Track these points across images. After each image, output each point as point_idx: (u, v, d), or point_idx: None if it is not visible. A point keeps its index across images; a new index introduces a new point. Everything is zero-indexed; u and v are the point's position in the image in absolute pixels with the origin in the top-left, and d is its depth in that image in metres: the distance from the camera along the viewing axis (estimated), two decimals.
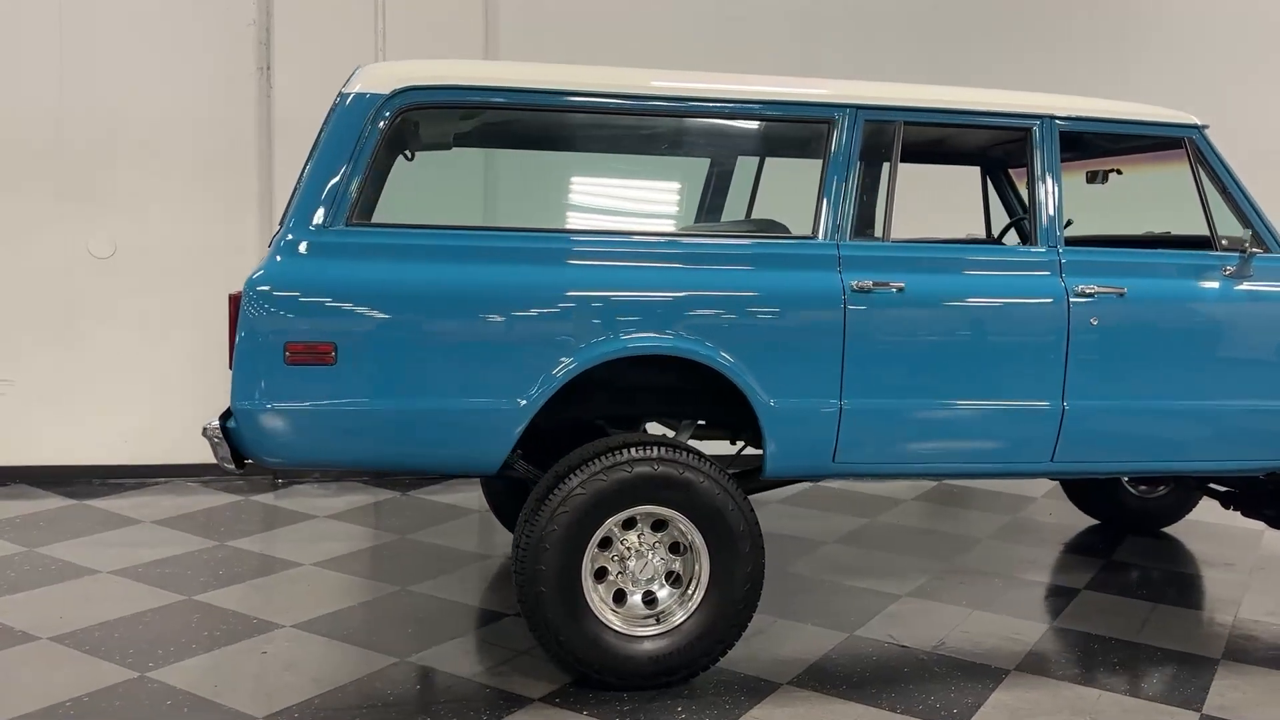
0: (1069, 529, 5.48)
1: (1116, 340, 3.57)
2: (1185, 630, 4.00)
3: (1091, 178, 4.52)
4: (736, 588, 3.29)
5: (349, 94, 3.19)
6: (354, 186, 3.13)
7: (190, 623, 3.84)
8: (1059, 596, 4.36)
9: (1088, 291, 3.55)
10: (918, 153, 4.52)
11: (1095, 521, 5.59)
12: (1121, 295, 3.58)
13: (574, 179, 5.74)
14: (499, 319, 3.14)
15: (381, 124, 3.15)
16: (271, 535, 5.10)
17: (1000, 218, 5.01)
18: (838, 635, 3.85)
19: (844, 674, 3.50)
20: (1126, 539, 5.30)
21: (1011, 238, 5.02)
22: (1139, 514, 5.41)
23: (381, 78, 3.21)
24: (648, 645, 3.26)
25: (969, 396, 3.49)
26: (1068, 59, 6.73)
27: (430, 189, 4.48)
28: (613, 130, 3.85)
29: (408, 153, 4.18)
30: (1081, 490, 5.51)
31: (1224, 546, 5.10)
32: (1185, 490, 5.25)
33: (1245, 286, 3.70)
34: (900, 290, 3.42)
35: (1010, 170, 5.01)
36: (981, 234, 5.03)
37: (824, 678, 3.46)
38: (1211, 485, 4.64)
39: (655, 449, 3.25)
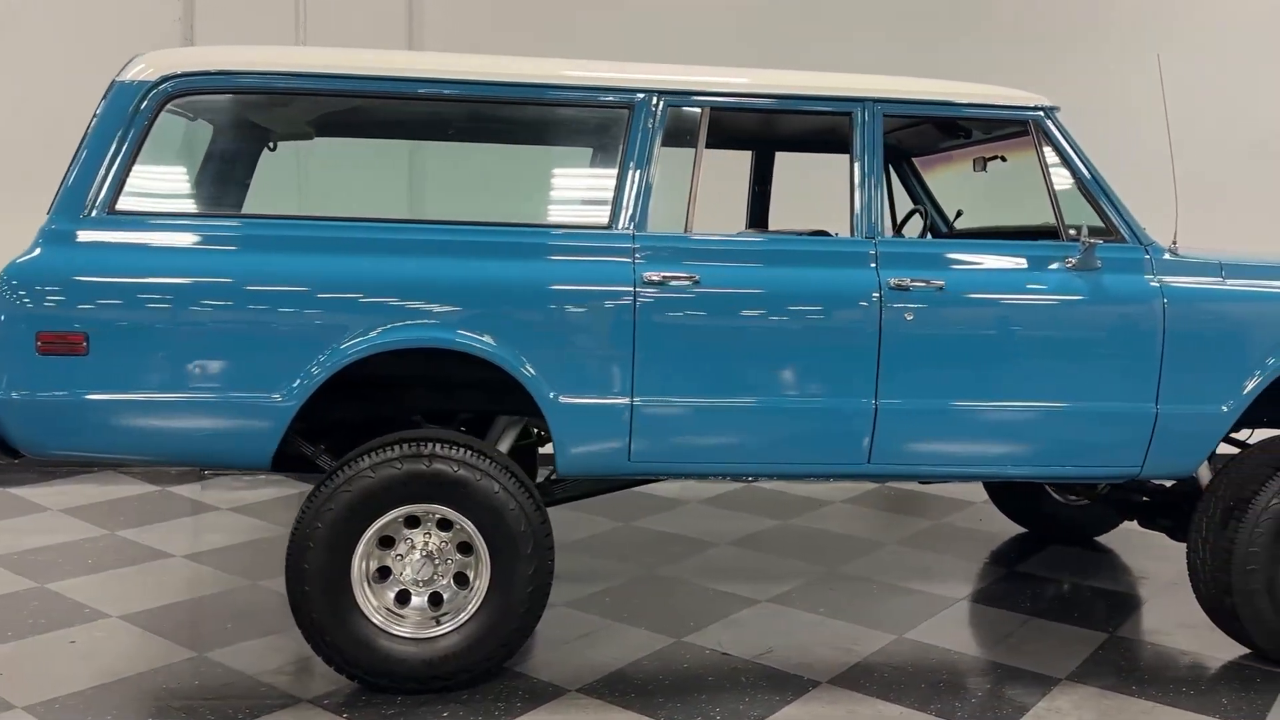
0: (994, 537, 5.23)
1: (934, 336, 3.36)
2: (1044, 647, 3.76)
3: (977, 165, 4.29)
4: (518, 590, 3.18)
5: (117, 82, 3.16)
6: (118, 175, 3.09)
7: (23, 610, 3.86)
8: (930, 606, 4.14)
9: (902, 284, 3.34)
10: (791, 141, 4.34)
11: (1024, 530, 5.32)
12: (940, 288, 3.36)
13: (372, 168, 5.66)
14: (256, 311, 3.08)
15: (147, 112, 3.11)
16: (164, 526, 5.13)
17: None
18: (664, 640, 3.71)
19: (640, 682, 3.37)
20: (1048, 549, 5.03)
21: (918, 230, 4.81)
22: (1066, 522, 5.13)
23: (151, 66, 3.16)
24: (424, 648, 3.17)
25: (772, 394, 3.32)
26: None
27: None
28: (402, 116, 3.76)
29: (271, 144, 4.18)
30: (1004, 497, 5.25)
31: (1151, 560, 4.79)
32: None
33: (1087, 279, 3.45)
34: (695, 283, 3.26)
35: (915, 160, 4.79)
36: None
37: (617, 685, 3.33)
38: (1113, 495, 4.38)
39: (430, 446, 3.14)
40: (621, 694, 3.27)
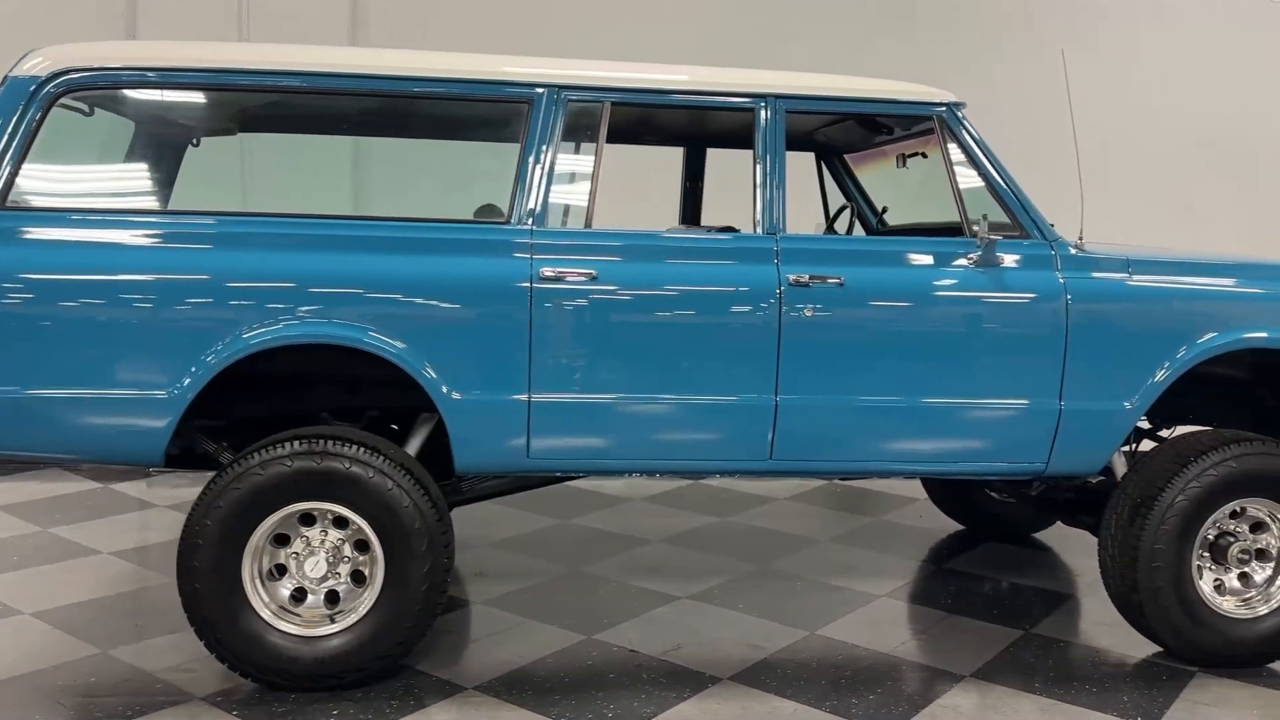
0: (932, 534, 5.22)
1: (834, 332, 3.34)
2: (956, 644, 3.75)
3: (899, 162, 4.28)
4: (413, 589, 3.16)
5: (10, 76, 3.14)
6: (10, 169, 3.07)
7: None
8: (850, 603, 4.13)
9: (802, 280, 3.33)
10: (701, 137, 4.33)
11: (962, 527, 5.31)
12: (840, 284, 3.35)
13: (274, 162, 5.64)
14: (138, 307, 3.06)
15: (39, 107, 3.09)
16: (100, 523, 5.11)
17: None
18: (574, 638, 3.70)
19: (540, 680, 3.36)
20: (984, 546, 5.02)
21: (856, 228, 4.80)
22: (1002, 520, 5.11)
23: (46, 60, 3.15)
24: (316, 646, 3.16)
25: (671, 390, 3.31)
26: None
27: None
28: (305, 111, 3.74)
29: (194, 140, 4.16)
30: (941, 494, 5.24)
31: (1085, 557, 4.73)
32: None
33: (990, 275, 3.43)
34: (593, 278, 3.25)
35: (846, 156, 4.78)
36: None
37: (516, 684, 3.32)
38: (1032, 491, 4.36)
39: (322, 442, 3.13)
40: (518, 692, 3.25)
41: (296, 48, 3.33)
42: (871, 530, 5.25)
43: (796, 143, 4.61)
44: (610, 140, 4.30)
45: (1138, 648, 3.72)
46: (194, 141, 4.13)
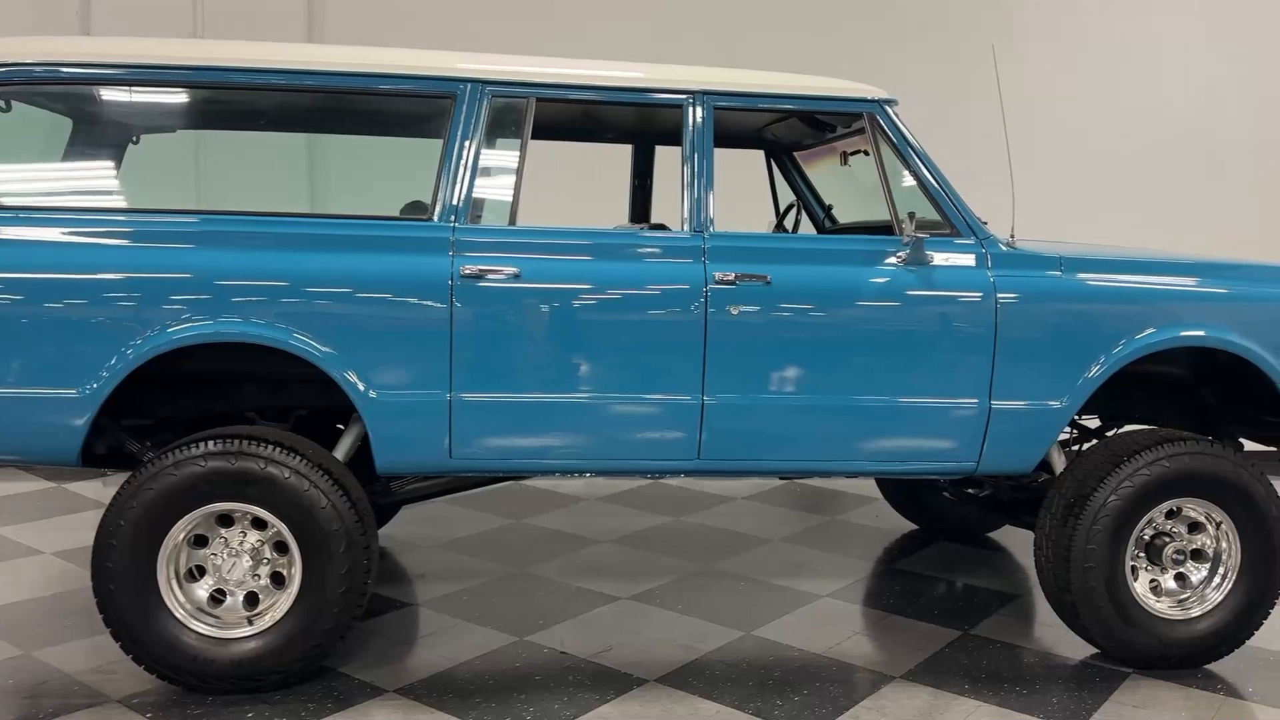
0: (886, 534, 5.19)
1: (761, 331, 3.31)
2: (891, 644, 3.72)
3: (843, 159, 4.24)
4: (330, 590, 3.13)
5: None
6: None
7: None
8: (792, 603, 4.10)
9: (728, 279, 3.30)
10: (635, 133, 4.28)
11: (916, 527, 5.28)
12: (766, 283, 3.31)
13: (231, 160, 5.61)
14: (51, 304, 3.02)
15: None
16: (48, 523, 5.08)
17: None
18: (506, 640, 3.67)
19: (463, 682, 3.32)
20: (936, 546, 5.00)
21: (807, 226, 4.77)
22: (954, 519, 5.08)
23: None
24: (232, 648, 3.12)
25: (597, 390, 3.27)
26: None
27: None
28: (226, 107, 3.70)
29: (135, 137, 4.12)
30: (894, 493, 5.21)
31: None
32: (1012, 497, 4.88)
33: (919, 274, 3.40)
34: (515, 276, 3.21)
35: (797, 154, 4.74)
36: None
37: (439, 686, 3.29)
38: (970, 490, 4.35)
39: (237, 442, 3.09)
40: (439, 695, 3.22)
41: (220, 43, 3.29)
42: (825, 530, 5.22)
43: (746, 140, 4.59)
44: (540, 137, 4.30)
45: (1076, 649, 3.69)
46: (134, 139, 4.09)
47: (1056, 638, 3.79)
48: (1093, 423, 4.30)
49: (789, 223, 4.56)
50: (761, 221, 4.77)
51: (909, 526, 5.28)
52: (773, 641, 3.71)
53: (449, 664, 3.45)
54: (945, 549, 4.95)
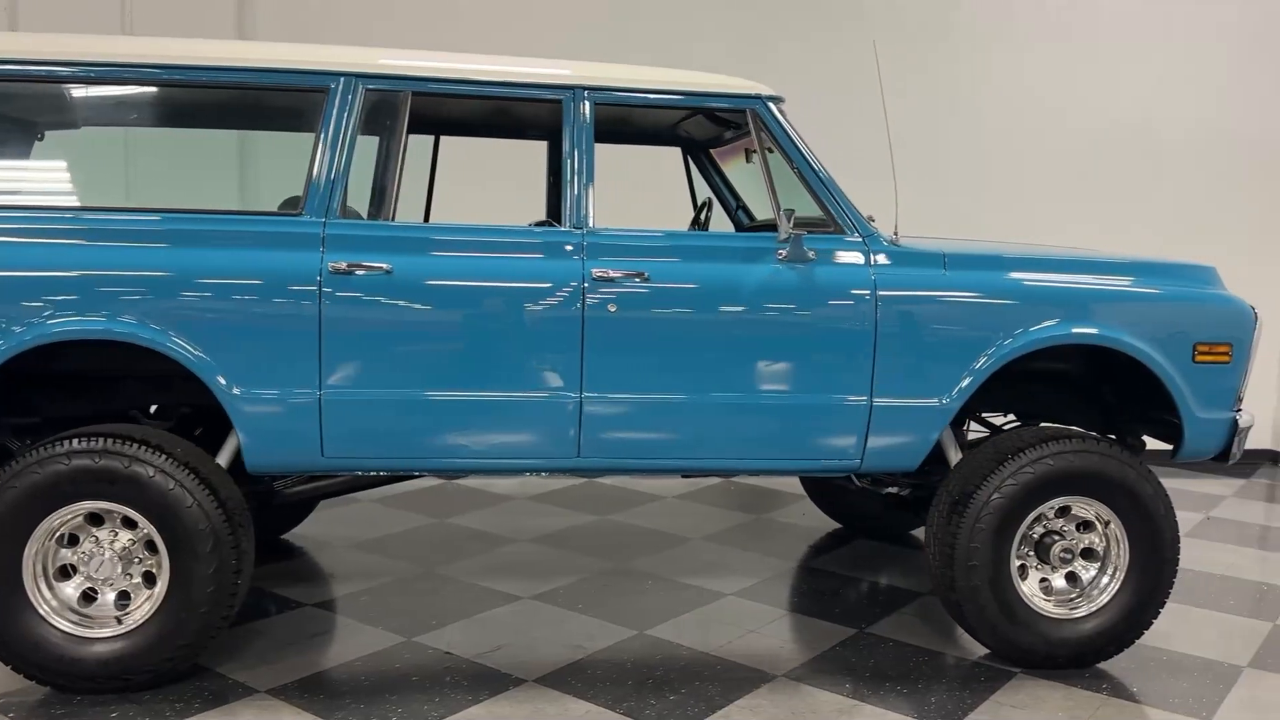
0: (810, 533, 5.17)
1: (638, 327, 3.28)
2: (783, 643, 3.70)
3: (748, 156, 4.21)
4: (198, 590, 3.10)
5: None
6: None
7: None
8: (691, 602, 4.07)
9: (604, 275, 3.27)
10: (518, 128, 4.22)
11: (839, 525, 5.26)
12: (644, 279, 3.29)
13: (160, 157, 5.57)
14: None
15: None
16: None
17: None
18: (393, 640, 3.64)
19: (339, 682, 3.30)
20: (855, 544, 4.99)
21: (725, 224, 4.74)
22: (875, 517, 5.06)
23: None
24: (99, 648, 3.09)
25: (471, 387, 3.24)
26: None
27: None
28: (113, 103, 3.65)
29: (40, 134, 4.08)
30: (816, 492, 5.18)
31: None
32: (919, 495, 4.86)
33: (799, 271, 3.37)
34: (387, 272, 3.18)
35: (713, 151, 4.71)
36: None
37: (312, 687, 3.26)
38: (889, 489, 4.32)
39: (102, 440, 3.06)
40: (310, 695, 3.19)
41: (99, 38, 3.26)
42: (748, 528, 5.20)
43: (662, 137, 4.56)
44: (424, 132, 4.30)
45: (970, 648, 3.68)
46: (39, 136, 4.06)
47: (952, 637, 3.77)
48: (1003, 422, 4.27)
49: (734, 222, 4.53)
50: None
51: (834, 525, 5.26)
52: (664, 640, 3.68)
53: (328, 665, 3.42)
54: (864, 547, 4.93)
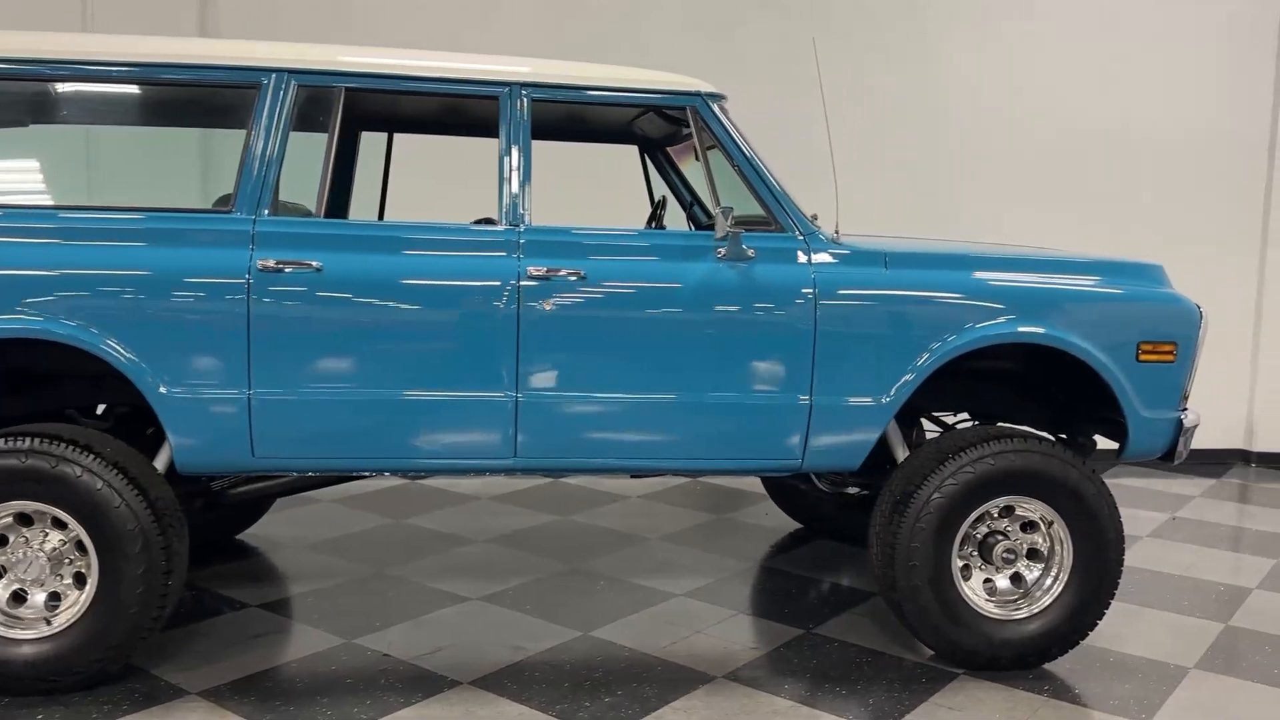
0: (771, 533, 5.15)
1: (576, 326, 3.26)
2: (726, 643, 3.67)
3: (697, 154, 4.17)
4: (127, 591, 3.07)
5: None
6: None
7: None
8: (641, 603, 4.04)
9: (541, 273, 3.24)
10: (475, 127, 4.19)
11: (800, 525, 5.23)
12: (581, 278, 3.26)
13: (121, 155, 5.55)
14: None
15: None
16: None
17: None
18: (333, 642, 3.61)
19: (273, 685, 3.27)
20: (814, 544, 4.96)
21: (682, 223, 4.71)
22: (833, 517, 5.03)
23: None
24: (26, 649, 3.06)
25: (404, 386, 3.21)
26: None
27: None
28: (49, 100, 3.62)
29: None
30: (776, 491, 5.16)
31: None
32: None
33: (738, 269, 3.34)
34: (317, 270, 3.15)
35: (670, 149, 4.68)
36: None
37: (244, 689, 3.23)
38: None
39: (28, 440, 3.03)
40: (241, 697, 3.16)
41: (22, 34, 3.22)
42: (709, 528, 5.17)
43: (618, 135, 4.53)
44: (378, 129, 4.27)
45: (915, 650, 3.65)
46: None
47: (900, 638, 3.75)
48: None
49: (690, 219, 4.51)
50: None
51: (796, 525, 5.23)
52: (608, 642, 3.65)
53: (263, 666, 3.39)
54: (823, 548, 4.91)
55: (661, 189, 4.70)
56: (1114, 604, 4.06)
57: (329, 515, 5.20)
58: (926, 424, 4.19)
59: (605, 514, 5.38)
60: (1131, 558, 4.82)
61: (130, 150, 5.78)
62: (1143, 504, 5.88)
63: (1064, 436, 3.92)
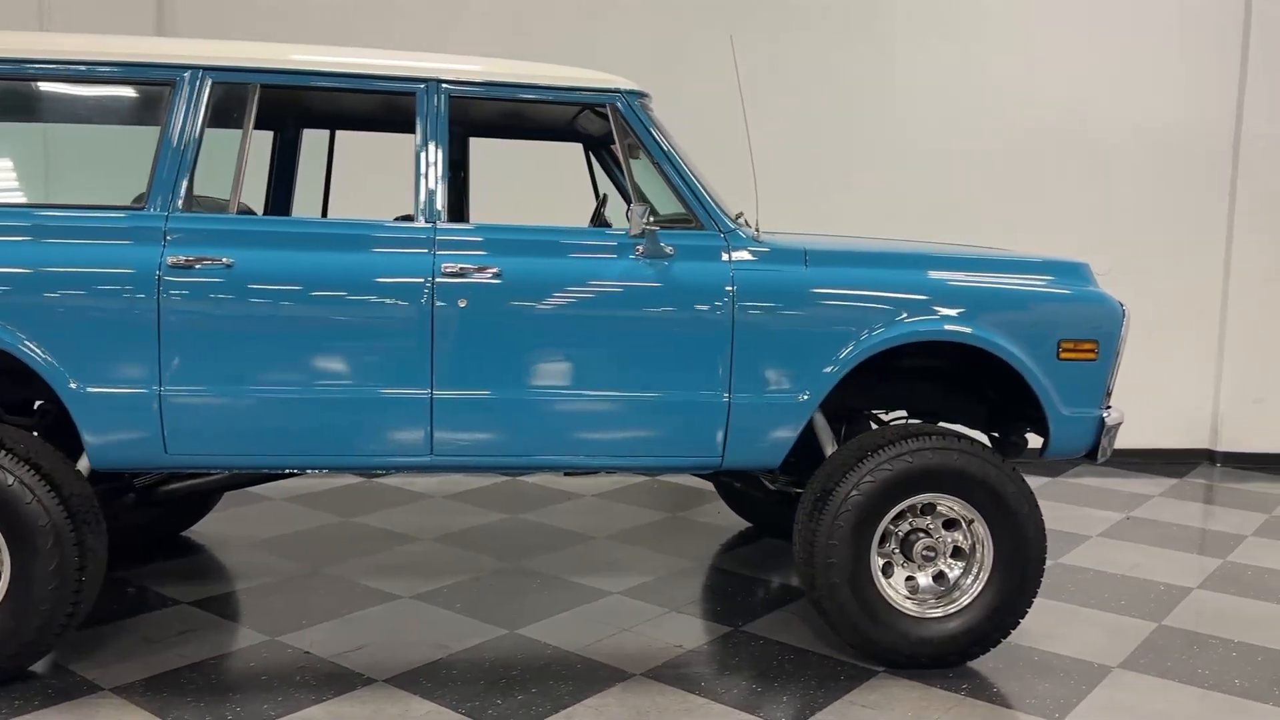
0: (721, 531, 5.15)
1: (489, 324, 3.25)
2: (653, 642, 3.66)
3: (632, 151, 4.17)
4: (39, 588, 3.07)
5: None
6: None
7: None
8: (574, 601, 4.04)
9: (455, 270, 3.24)
10: (381, 122, 4.18)
11: (750, 524, 5.23)
12: (497, 275, 3.26)
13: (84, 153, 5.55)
14: None
15: None
16: None
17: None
18: (257, 639, 3.62)
19: (186, 681, 3.27)
20: (763, 543, 4.97)
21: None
22: (779, 516, 5.01)
23: None
24: None
25: (319, 383, 3.22)
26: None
27: None
28: None
29: None
30: (723, 489, 5.15)
31: None
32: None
33: (656, 267, 3.34)
34: (228, 266, 3.16)
35: (613, 147, 4.66)
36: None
37: (157, 685, 3.23)
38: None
39: None
40: (154, 694, 3.16)
41: None
42: (659, 527, 5.17)
43: (563, 133, 4.53)
44: (319, 127, 4.27)
45: (840, 648, 3.64)
46: None
47: (826, 636, 3.73)
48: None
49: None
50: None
51: (747, 524, 5.23)
52: (532, 640, 3.65)
53: (182, 663, 3.39)
54: (770, 546, 4.90)
55: (607, 186, 4.70)
56: (1050, 603, 4.10)
57: (279, 513, 5.20)
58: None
59: (558, 512, 5.37)
60: (1077, 557, 4.83)
61: (65, 148, 5.79)
62: (1098, 503, 5.87)
63: (996, 435, 3.92)
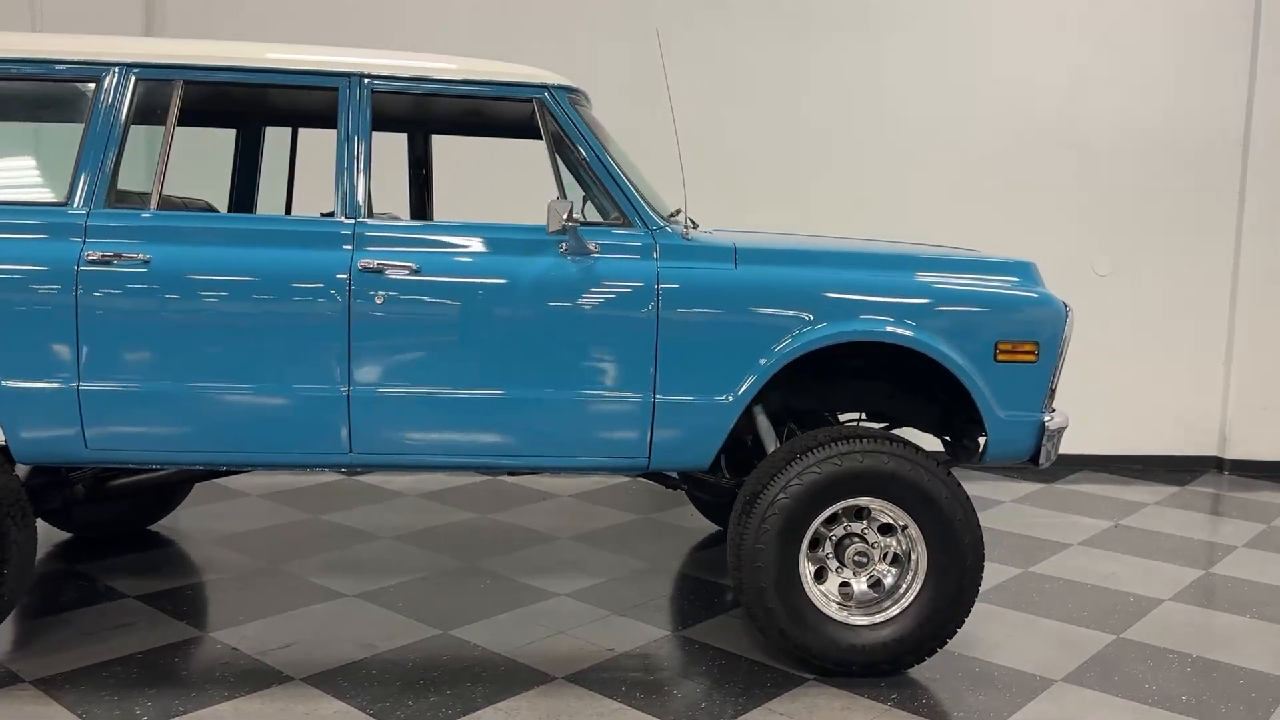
0: (690, 534, 5.08)
1: (408, 321, 3.23)
2: (586, 644, 3.61)
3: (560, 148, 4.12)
4: None
5: None
6: None
7: None
8: (518, 602, 4.00)
9: (373, 267, 3.22)
10: (312, 117, 4.17)
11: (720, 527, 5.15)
12: (415, 271, 3.23)
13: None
14: None
15: None
16: None
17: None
18: (190, 634, 3.62)
19: (107, 676, 3.28)
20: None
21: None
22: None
23: None
24: None
25: (235, 380, 3.21)
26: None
27: None
28: None
29: None
30: (691, 491, 5.07)
31: None
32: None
33: (580, 265, 3.29)
34: (145, 262, 3.16)
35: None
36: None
37: (76, 678, 3.24)
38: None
39: None
40: (71, 686, 3.18)
41: None
42: (627, 528, 5.11)
43: (523, 130, 4.49)
44: (282, 124, 4.27)
45: (774, 654, 3.56)
46: None
47: (764, 643, 3.65)
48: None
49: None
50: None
51: (717, 527, 5.15)
52: (463, 640, 3.62)
53: (108, 657, 3.41)
54: None
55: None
56: (1007, 612, 3.99)
57: (248, 509, 5.22)
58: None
59: (527, 512, 5.34)
60: (1051, 566, 4.70)
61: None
62: (1088, 510, 5.72)
63: (948, 439, 3.81)
